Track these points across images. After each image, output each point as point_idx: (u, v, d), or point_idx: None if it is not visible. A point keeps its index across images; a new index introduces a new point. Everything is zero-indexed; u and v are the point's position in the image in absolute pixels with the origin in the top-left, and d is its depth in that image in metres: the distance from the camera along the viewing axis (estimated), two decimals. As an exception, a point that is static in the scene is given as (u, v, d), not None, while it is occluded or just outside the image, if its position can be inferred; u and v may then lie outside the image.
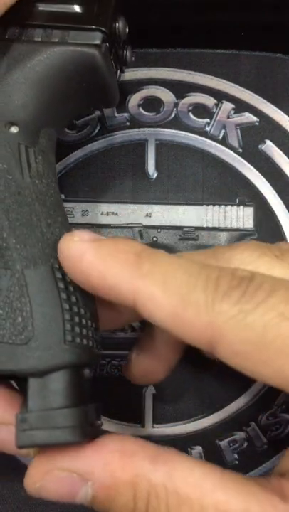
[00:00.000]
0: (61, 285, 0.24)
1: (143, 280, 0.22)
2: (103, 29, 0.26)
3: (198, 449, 0.33)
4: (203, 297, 0.21)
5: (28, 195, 0.25)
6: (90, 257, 0.23)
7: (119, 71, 0.30)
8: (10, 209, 0.25)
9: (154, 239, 0.34)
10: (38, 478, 0.23)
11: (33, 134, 0.26)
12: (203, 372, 0.34)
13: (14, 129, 0.26)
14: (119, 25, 0.28)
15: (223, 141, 0.35)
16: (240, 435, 0.34)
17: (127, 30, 0.29)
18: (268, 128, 0.35)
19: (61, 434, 0.23)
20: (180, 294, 0.22)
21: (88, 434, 0.23)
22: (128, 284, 0.22)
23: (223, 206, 0.34)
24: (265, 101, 0.35)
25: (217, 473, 0.22)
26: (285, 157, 0.35)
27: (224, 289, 0.21)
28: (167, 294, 0.22)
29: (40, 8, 0.27)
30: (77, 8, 0.27)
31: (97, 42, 0.26)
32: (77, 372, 0.24)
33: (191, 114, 0.35)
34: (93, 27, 0.27)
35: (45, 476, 0.23)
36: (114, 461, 0.22)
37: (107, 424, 0.34)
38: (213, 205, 0.34)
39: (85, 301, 0.25)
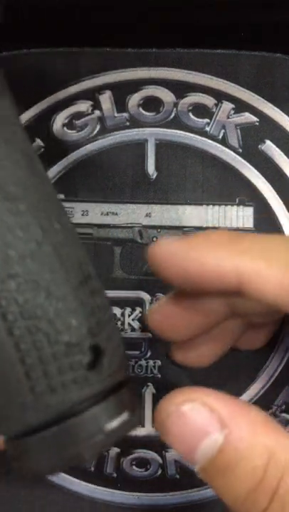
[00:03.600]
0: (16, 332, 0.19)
1: (244, 256, 0.22)
2: None
3: (198, 449, 0.33)
4: None
5: None
6: (184, 250, 0.23)
7: None
8: None
9: (154, 239, 0.34)
10: (179, 401, 0.21)
11: None
12: (202, 372, 0.34)
13: None
14: None
15: (223, 141, 0.35)
16: (240, 435, 0.34)
17: None
18: (267, 128, 0.35)
19: None
20: (285, 261, 0.22)
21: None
22: (229, 263, 0.22)
23: (223, 206, 0.34)
24: (265, 101, 0.35)
25: None
26: (285, 157, 0.35)
27: None
28: (272, 264, 0.22)
29: None
30: None
31: None
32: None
33: (190, 114, 0.35)
34: None
35: (187, 402, 0.21)
36: (258, 422, 0.20)
37: (106, 424, 0.34)
38: (213, 205, 0.34)
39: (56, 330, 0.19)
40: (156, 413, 0.21)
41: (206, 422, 0.20)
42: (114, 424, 0.20)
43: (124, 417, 0.20)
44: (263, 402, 0.33)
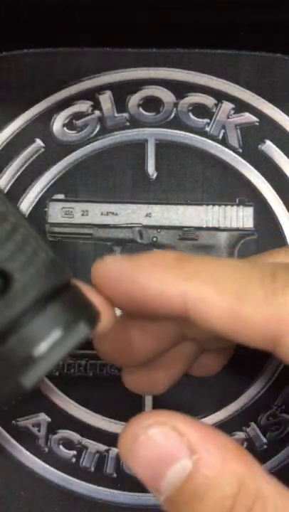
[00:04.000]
0: None
1: (190, 281, 0.21)
2: None
3: (198, 449, 0.33)
4: (261, 290, 0.20)
5: None
6: (129, 272, 0.22)
7: None
8: None
9: (154, 239, 0.34)
10: (146, 424, 0.19)
11: None
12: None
13: None
14: None
15: (223, 141, 0.35)
16: (239, 435, 0.34)
17: None
18: (267, 128, 0.35)
19: None
20: (234, 290, 0.20)
21: None
22: (175, 288, 0.21)
23: (223, 206, 0.34)
24: (265, 101, 0.35)
25: None
26: (285, 157, 0.35)
27: (283, 281, 0.20)
28: (220, 292, 0.20)
29: None
30: None
31: None
32: None
33: (191, 114, 0.35)
34: None
35: (155, 426, 0.19)
36: (228, 448, 0.19)
37: (107, 424, 0.34)
38: (213, 205, 0.34)
39: None
40: (121, 437, 0.20)
41: (175, 447, 0.19)
42: (42, 347, 0.18)
43: (55, 335, 0.18)
44: (263, 402, 0.34)
